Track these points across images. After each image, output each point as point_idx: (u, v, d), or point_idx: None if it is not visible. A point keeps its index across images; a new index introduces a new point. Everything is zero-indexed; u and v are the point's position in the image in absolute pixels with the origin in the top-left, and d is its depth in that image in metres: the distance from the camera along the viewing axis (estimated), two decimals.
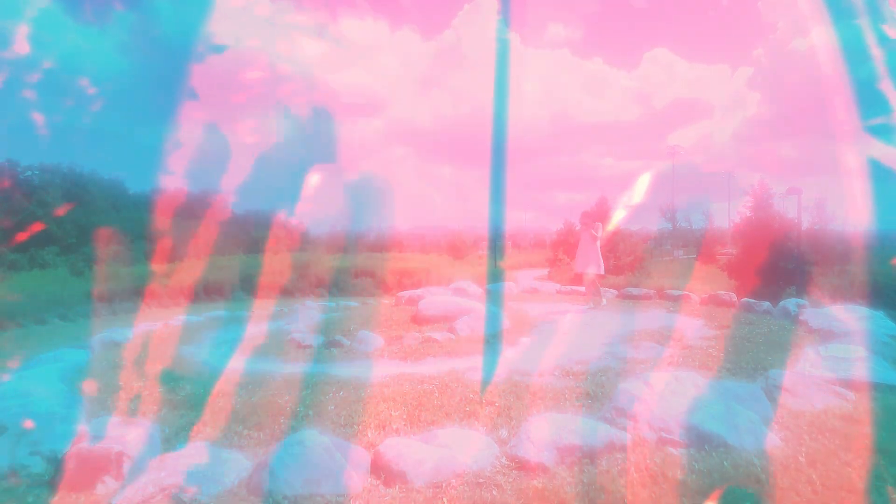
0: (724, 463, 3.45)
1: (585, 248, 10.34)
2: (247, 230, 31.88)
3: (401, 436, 4.08)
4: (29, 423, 4.00)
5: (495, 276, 17.44)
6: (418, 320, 9.14)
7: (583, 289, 13.07)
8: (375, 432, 4.26)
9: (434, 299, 9.85)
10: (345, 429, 4.34)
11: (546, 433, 3.76)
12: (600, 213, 18.69)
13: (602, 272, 10.53)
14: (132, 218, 26.76)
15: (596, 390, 5.17)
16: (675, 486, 3.21)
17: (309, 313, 11.10)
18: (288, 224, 35.80)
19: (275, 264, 19.07)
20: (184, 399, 5.26)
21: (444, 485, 3.32)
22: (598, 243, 10.26)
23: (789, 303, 9.72)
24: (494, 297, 12.39)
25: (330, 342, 7.92)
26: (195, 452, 3.61)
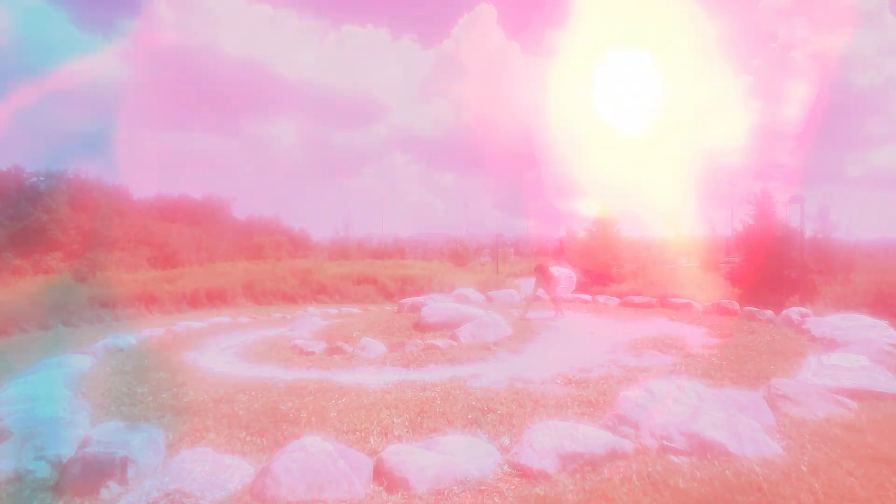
0: (726, 471, 3.45)
1: (554, 284, 11.40)
2: (249, 236, 31.97)
3: (403, 442, 4.09)
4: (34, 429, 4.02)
5: (497, 283, 17.45)
6: (420, 327, 9.15)
7: (586, 297, 13.34)
8: (378, 439, 4.27)
9: (436, 306, 9.86)
10: (347, 435, 4.35)
11: (548, 441, 3.77)
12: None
13: (568, 294, 12.20)
14: (136, 224, 26.85)
15: (598, 398, 5.18)
16: (676, 494, 3.21)
17: (311, 320, 11.12)
18: (290, 230, 35.94)
19: (277, 271, 19.11)
20: (187, 405, 5.29)
21: (446, 492, 3.33)
22: (554, 276, 11.39)
23: (792, 311, 9.71)
24: (497, 305, 12.40)
25: (332, 349, 7.94)
26: (198, 458, 3.63)
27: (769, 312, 10.14)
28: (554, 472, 3.53)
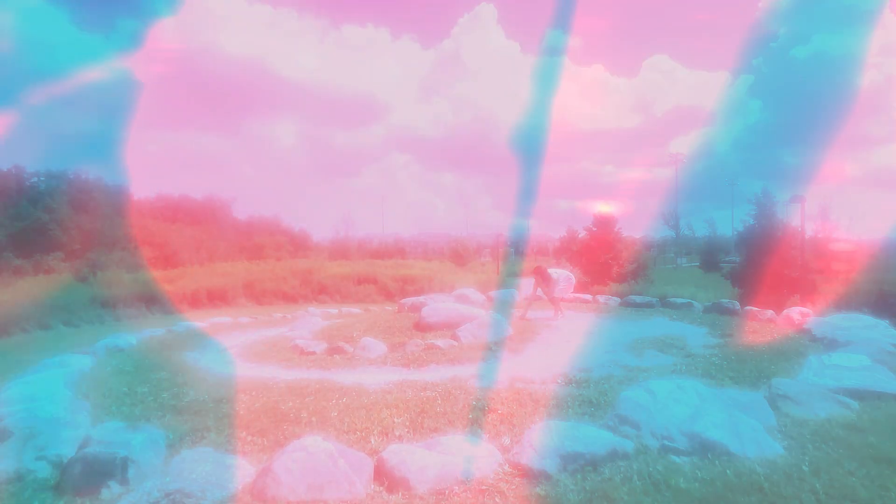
0: (727, 471, 3.45)
1: (552, 286, 11.61)
2: (249, 236, 31.99)
3: (404, 442, 4.09)
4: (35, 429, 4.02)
5: (498, 283, 17.45)
6: (421, 327, 9.15)
7: (587, 296, 13.39)
8: (378, 439, 4.27)
9: (437, 306, 9.86)
10: (348, 435, 4.35)
11: (549, 441, 3.76)
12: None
13: (568, 294, 13.16)
14: (136, 224, 26.86)
15: (598, 398, 5.18)
16: (677, 495, 3.21)
17: (312, 320, 11.12)
18: (290, 230, 35.96)
19: (278, 271, 19.09)
20: (188, 405, 5.29)
21: (446, 492, 3.33)
22: (552, 277, 11.68)
23: (793, 311, 9.71)
24: (497, 304, 12.41)
25: (333, 349, 7.94)
26: (199, 458, 3.62)
27: (770, 312, 10.14)
28: (555, 472, 3.53)
